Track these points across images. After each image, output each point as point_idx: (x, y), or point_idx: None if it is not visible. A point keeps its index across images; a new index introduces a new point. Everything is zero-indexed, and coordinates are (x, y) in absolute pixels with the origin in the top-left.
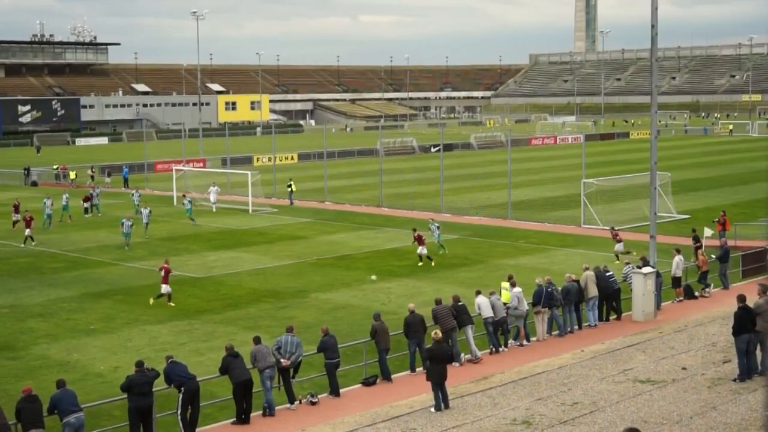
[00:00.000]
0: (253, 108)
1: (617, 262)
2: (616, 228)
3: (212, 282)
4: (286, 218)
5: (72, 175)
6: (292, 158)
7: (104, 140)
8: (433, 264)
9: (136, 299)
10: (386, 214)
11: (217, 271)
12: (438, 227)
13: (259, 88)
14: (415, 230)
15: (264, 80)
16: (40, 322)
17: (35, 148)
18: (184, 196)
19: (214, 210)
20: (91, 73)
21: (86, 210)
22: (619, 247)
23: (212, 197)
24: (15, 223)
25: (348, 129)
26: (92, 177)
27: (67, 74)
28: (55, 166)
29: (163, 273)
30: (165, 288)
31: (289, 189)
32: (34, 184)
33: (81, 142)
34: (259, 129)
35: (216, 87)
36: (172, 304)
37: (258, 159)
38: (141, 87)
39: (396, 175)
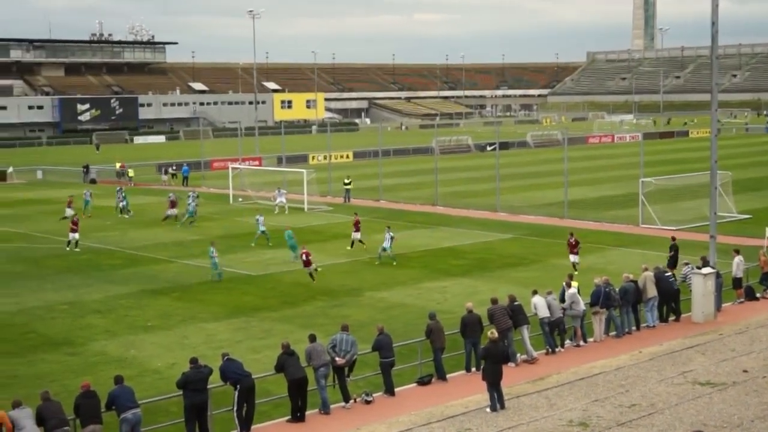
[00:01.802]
0: (308, 106)
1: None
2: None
3: (269, 279)
4: (341, 216)
5: (131, 173)
6: (348, 156)
7: (162, 138)
8: (364, 247)
9: (193, 296)
10: (441, 212)
11: (274, 269)
12: (392, 237)
13: (314, 87)
14: (356, 214)
15: (319, 78)
16: (99, 318)
17: (94, 146)
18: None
19: (286, 212)
20: (149, 71)
21: (121, 210)
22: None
23: (282, 199)
24: (70, 219)
25: (403, 127)
26: (173, 175)
27: (125, 73)
28: (118, 165)
29: (304, 257)
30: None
31: (346, 187)
32: (93, 181)
33: (139, 140)
34: (314, 127)
35: (272, 85)
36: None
37: (313, 157)
38: (198, 86)
39: (451, 173)
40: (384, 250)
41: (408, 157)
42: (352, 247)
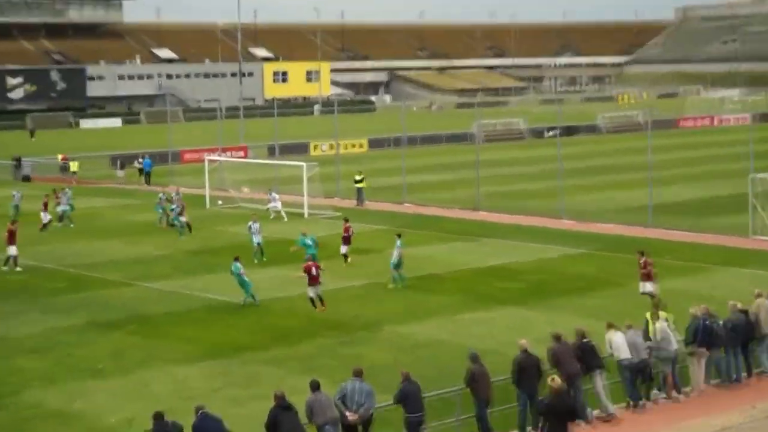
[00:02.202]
0: (309, 80)
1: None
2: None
3: (256, 308)
4: (354, 224)
5: (73, 166)
6: (361, 146)
7: (117, 122)
8: (345, 264)
9: (156, 330)
10: (485, 219)
11: (263, 294)
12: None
13: (317, 54)
14: (346, 220)
15: (324, 43)
16: (33, 359)
17: (28, 132)
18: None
19: (285, 218)
20: (101, 35)
21: (60, 217)
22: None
23: (277, 204)
24: (45, 226)
25: (434, 107)
26: (140, 171)
27: (69, 37)
28: (59, 157)
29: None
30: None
31: (358, 186)
32: (27, 178)
33: (87, 124)
34: (317, 107)
35: (261, 52)
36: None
37: (316, 147)
38: (164, 53)
39: (498, 168)
40: (396, 267)
41: (440, 145)
42: (346, 262)
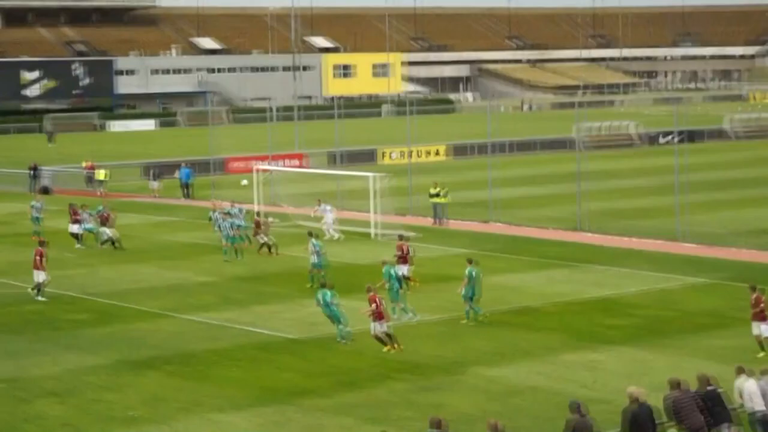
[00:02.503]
0: (378, 74)
1: None
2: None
3: (316, 346)
4: (431, 247)
5: (100, 175)
6: (439, 153)
7: (150, 124)
8: (411, 286)
9: (198, 371)
10: (589, 242)
11: (323, 330)
12: (473, 275)
13: (386, 44)
14: (401, 237)
15: (395, 31)
16: (54, 404)
17: (46, 136)
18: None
19: (336, 238)
20: (132, 21)
21: (76, 237)
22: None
23: (329, 218)
24: (78, 238)
25: (527, 107)
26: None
27: (95, 24)
28: (84, 164)
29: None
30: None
31: (434, 201)
32: (46, 190)
33: (115, 126)
34: (386, 107)
35: (320, 42)
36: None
37: (386, 154)
38: (206, 42)
39: (605, 180)
40: (468, 299)
41: (534, 153)
42: (409, 287)
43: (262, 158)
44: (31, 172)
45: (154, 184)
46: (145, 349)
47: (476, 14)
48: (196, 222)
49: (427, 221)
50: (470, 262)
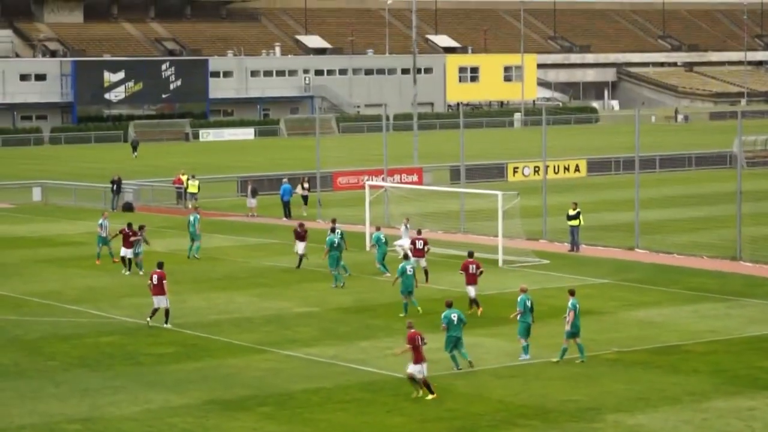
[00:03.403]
0: (508, 78)
1: None
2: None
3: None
4: (564, 276)
5: (192, 187)
6: (578, 169)
7: (248, 133)
8: (478, 313)
9: (299, 413)
10: (749, 273)
11: (440, 369)
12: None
13: (519, 44)
14: (471, 255)
15: (530, 30)
16: None
17: (131, 145)
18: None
19: (404, 255)
20: (229, 16)
21: (124, 262)
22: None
23: (404, 239)
24: (128, 263)
25: (680, 117)
26: (304, 198)
27: (187, 19)
28: (181, 176)
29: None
30: None
31: (572, 223)
32: (129, 207)
33: (208, 135)
34: (518, 116)
35: (443, 41)
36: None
37: (516, 170)
38: (313, 41)
39: None
40: (572, 336)
41: (688, 170)
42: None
43: (375, 173)
44: (113, 186)
45: (252, 202)
46: (237, 388)
47: (623, 10)
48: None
49: (564, 247)
50: (572, 294)
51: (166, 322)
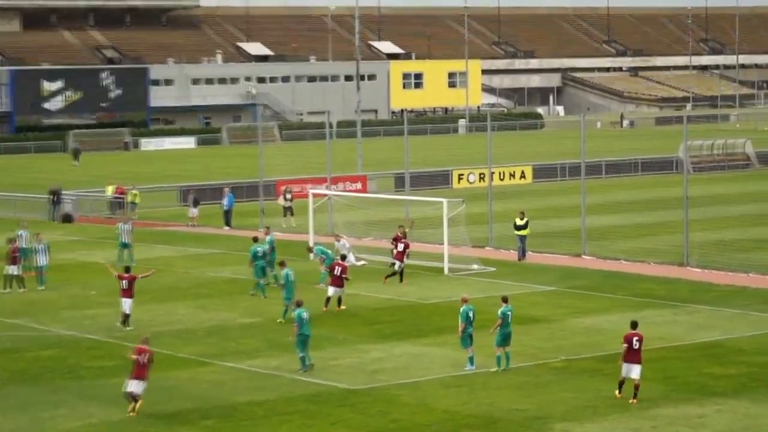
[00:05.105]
0: (453, 85)
1: None
2: None
3: (377, 398)
4: (511, 284)
5: (131, 196)
6: (524, 176)
7: (189, 142)
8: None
9: (242, 427)
10: (696, 279)
11: (385, 379)
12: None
13: (463, 50)
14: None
15: (474, 35)
16: None
17: (71, 154)
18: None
19: (359, 264)
20: (169, 23)
21: (9, 281)
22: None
23: (350, 256)
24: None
25: (626, 123)
26: (288, 210)
27: (127, 26)
28: (110, 189)
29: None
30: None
31: (520, 233)
32: (68, 218)
33: (149, 144)
34: (463, 123)
35: (387, 47)
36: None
37: (461, 177)
38: (255, 48)
39: (714, 207)
40: (501, 344)
41: (634, 176)
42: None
43: (319, 181)
44: (52, 197)
45: (193, 212)
46: (180, 400)
47: (568, 15)
48: (239, 255)
49: (511, 255)
50: (505, 301)
51: (126, 324)
